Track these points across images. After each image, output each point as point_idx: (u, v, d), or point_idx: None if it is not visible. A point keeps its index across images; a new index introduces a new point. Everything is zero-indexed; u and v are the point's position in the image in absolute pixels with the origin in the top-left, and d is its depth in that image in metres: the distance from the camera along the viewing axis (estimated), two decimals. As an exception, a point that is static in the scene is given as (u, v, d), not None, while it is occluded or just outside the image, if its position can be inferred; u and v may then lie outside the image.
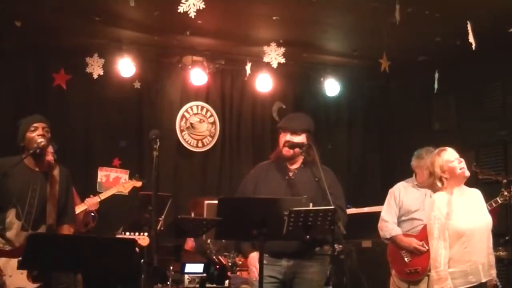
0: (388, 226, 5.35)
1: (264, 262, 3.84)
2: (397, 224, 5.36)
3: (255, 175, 4.40)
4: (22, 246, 4.05)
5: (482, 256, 4.13)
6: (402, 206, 5.36)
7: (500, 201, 5.03)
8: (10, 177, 4.17)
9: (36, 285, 4.14)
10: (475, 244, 4.10)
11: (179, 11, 5.30)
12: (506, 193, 5.05)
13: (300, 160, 4.32)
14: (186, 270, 5.75)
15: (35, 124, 4.29)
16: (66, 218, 4.43)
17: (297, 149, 4.25)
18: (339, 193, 4.25)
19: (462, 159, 4.23)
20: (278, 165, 4.35)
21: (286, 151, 4.27)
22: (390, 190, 5.49)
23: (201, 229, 3.96)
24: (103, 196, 5.76)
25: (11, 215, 4.20)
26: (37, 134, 4.26)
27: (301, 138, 4.25)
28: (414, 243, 5.19)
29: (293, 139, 4.25)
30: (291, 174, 4.30)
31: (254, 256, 4.18)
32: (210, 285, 5.79)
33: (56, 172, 4.36)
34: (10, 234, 4.19)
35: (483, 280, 4.12)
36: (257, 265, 3.98)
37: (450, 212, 4.15)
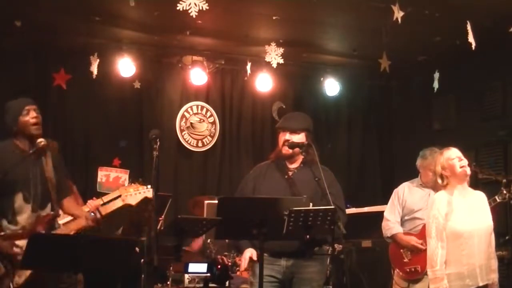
0: (390, 224, 5.39)
1: (266, 260, 3.85)
2: (400, 223, 5.39)
3: (254, 175, 4.41)
4: (38, 223, 4.18)
5: (480, 259, 4.13)
6: (405, 206, 5.39)
7: (498, 200, 5.04)
8: (10, 164, 4.20)
9: None
10: (473, 246, 4.11)
11: (178, 8, 5.29)
12: (505, 191, 5.07)
13: (299, 159, 4.32)
14: (190, 270, 5.74)
15: (27, 107, 4.32)
16: (64, 192, 4.50)
17: (296, 149, 4.25)
18: (338, 193, 4.26)
19: (464, 158, 4.24)
20: (278, 165, 4.35)
21: (286, 150, 4.27)
22: (395, 190, 5.53)
23: (201, 229, 3.96)
24: (106, 199, 5.71)
25: (19, 200, 4.25)
26: (31, 117, 4.30)
27: (300, 137, 4.26)
28: (413, 241, 5.22)
29: (292, 138, 4.25)
30: (290, 173, 4.29)
31: (248, 250, 4.20)
32: (212, 285, 5.79)
33: (48, 151, 4.42)
34: (21, 218, 4.25)
35: (480, 284, 4.12)
36: (246, 256, 4.12)
37: (449, 212, 4.16)
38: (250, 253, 4.15)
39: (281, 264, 4.16)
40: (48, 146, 4.46)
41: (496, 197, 5.05)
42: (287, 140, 4.25)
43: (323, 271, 4.26)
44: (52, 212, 4.35)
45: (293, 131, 4.26)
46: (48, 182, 4.34)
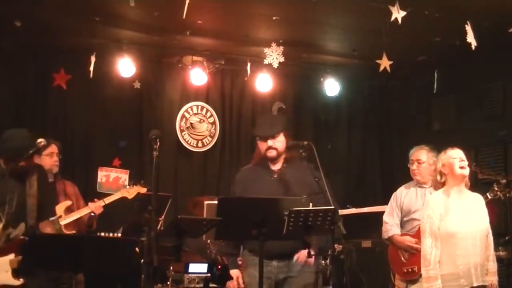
0: (387, 227, 5.39)
1: (256, 262, 3.88)
2: (399, 225, 5.39)
3: (242, 178, 4.53)
4: (11, 245, 4.19)
5: (475, 260, 4.14)
6: (403, 208, 5.39)
7: (490, 197, 5.06)
8: None
9: (20, 281, 4.20)
10: (467, 248, 4.13)
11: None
12: (496, 188, 5.08)
13: (281, 160, 4.45)
14: (190, 270, 5.74)
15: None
16: (45, 213, 4.54)
17: (281, 149, 4.38)
18: (323, 187, 4.31)
19: (466, 160, 4.25)
20: (262, 167, 4.47)
21: (270, 153, 4.39)
22: (393, 194, 5.53)
23: (201, 229, 3.97)
24: (107, 200, 5.75)
25: None
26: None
27: (280, 138, 4.40)
28: (407, 241, 5.21)
29: (274, 143, 4.38)
30: (275, 175, 4.41)
31: (234, 273, 4.40)
32: (212, 285, 5.79)
33: (33, 171, 4.46)
34: None
35: (475, 285, 4.14)
36: (234, 283, 4.35)
37: (443, 213, 4.19)
38: (236, 275, 4.38)
39: (273, 265, 4.25)
40: (39, 170, 4.55)
41: (488, 194, 5.06)
42: (270, 147, 4.38)
43: (313, 272, 4.35)
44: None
45: (273, 137, 4.38)
46: (28, 203, 4.38)
